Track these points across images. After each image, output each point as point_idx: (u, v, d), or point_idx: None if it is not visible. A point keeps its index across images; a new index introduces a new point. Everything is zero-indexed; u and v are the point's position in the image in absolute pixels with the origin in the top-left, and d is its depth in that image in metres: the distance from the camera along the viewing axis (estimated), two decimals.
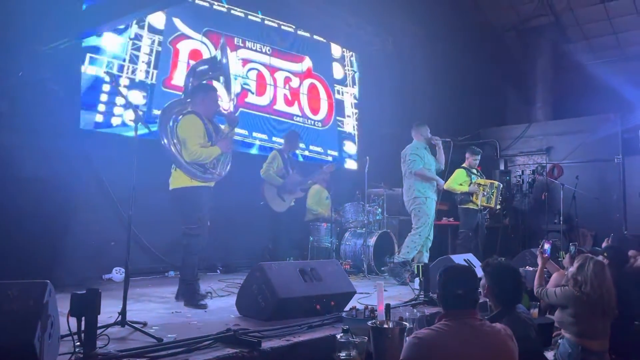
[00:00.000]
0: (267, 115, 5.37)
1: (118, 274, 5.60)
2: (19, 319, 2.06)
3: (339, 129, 6.24)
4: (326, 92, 5.73)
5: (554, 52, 11.81)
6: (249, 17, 5.36)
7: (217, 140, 4.24)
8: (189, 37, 5.09)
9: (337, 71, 6.00)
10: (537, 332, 3.10)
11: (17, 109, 4.84)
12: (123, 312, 3.09)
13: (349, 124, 6.47)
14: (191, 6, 5.06)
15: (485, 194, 6.91)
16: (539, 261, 4.24)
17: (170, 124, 4.21)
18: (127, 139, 5.68)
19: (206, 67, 4.52)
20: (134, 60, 5.15)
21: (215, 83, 4.73)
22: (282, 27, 5.58)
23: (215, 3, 5.25)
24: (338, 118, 6.31)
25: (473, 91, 11.82)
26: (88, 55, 5.10)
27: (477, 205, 6.94)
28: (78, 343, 2.35)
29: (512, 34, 12.36)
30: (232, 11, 5.31)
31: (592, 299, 3.53)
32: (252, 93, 5.29)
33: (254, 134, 5.61)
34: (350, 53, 6.44)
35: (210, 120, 4.33)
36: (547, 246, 4.35)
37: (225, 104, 4.70)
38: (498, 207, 7.38)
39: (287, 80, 5.39)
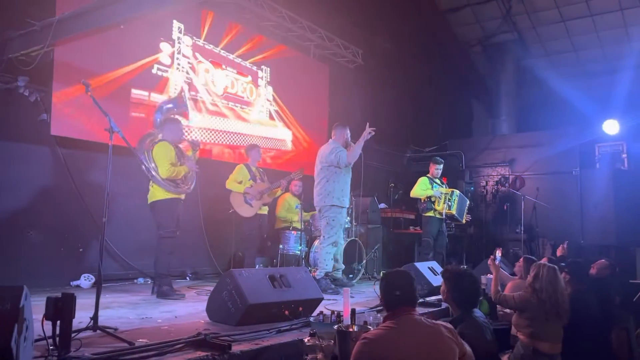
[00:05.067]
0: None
1: (87, 280, 5.58)
2: None
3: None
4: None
5: (517, 68, 12.28)
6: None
7: (184, 162, 5.21)
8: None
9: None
10: (492, 335, 3.31)
11: None
12: (95, 317, 3.15)
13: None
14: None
15: (447, 202, 7.14)
16: (492, 269, 4.45)
17: (145, 153, 5.17)
18: (100, 145, 5.70)
19: (171, 105, 6.01)
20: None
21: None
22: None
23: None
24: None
25: (440, 104, 12.18)
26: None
27: (440, 212, 7.15)
28: (52, 347, 2.41)
29: (478, 49, 12.79)
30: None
31: (548, 305, 3.75)
32: (229, 87, 7.86)
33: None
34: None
35: (176, 145, 5.29)
36: (497, 253, 4.59)
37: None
38: (464, 220, 7.59)
39: (242, 84, 8.16)
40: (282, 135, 8.97)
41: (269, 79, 8.70)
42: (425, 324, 2.46)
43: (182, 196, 5.27)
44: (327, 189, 5.83)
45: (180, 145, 5.45)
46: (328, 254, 5.83)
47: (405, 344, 2.35)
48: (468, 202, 7.72)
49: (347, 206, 6.08)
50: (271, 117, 8.82)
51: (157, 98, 6.65)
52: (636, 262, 8.15)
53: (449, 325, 2.55)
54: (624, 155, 9.13)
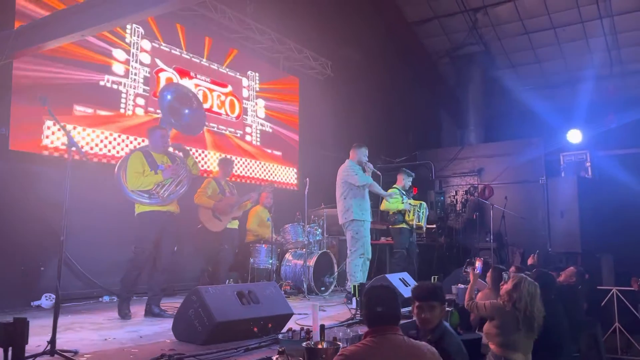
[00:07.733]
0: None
1: (48, 300, 5.36)
2: None
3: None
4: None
5: (484, 79, 12.50)
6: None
7: (165, 170, 4.87)
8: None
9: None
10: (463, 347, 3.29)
11: None
12: (52, 341, 3.00)
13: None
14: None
15: (416, 213, 7.19)
16: (471, 277, 4.45)
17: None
18: (60, 160, 5.54)
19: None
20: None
21: None
22: (219, 68, 7.74)
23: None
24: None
25: (409, 115, 12.30)
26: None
27: (411, 224, 7.19)
28: None
29: (446, 60, 12.98)
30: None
31: (522, 315, 3.76)
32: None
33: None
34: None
35: (165, 152, 5.06)
36: (478, 264, 4.61)
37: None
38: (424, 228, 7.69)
39: (218, 96, 7.61)
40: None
41: (257, 88, 7.73)
42: (406, 344, 2.39)
43: (167, 208, 4.91)
44: (346, 206, 6.18)
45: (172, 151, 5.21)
46: (357, 266, 6.09)
47: None
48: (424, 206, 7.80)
49: (369, 220, 6.36)
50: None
51: (104, 114, 6.04)
52: (602, 269, 8.32)
53: (432, 349, 2.47)
54: (588, 164, 9.34)
